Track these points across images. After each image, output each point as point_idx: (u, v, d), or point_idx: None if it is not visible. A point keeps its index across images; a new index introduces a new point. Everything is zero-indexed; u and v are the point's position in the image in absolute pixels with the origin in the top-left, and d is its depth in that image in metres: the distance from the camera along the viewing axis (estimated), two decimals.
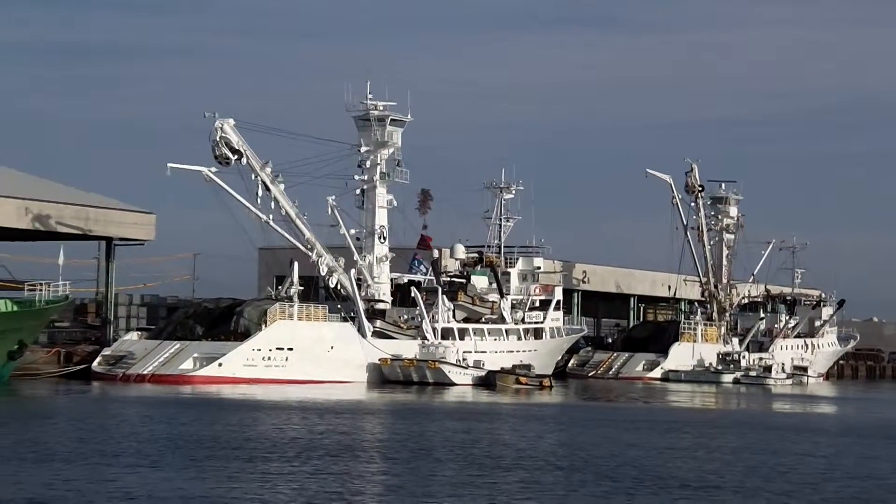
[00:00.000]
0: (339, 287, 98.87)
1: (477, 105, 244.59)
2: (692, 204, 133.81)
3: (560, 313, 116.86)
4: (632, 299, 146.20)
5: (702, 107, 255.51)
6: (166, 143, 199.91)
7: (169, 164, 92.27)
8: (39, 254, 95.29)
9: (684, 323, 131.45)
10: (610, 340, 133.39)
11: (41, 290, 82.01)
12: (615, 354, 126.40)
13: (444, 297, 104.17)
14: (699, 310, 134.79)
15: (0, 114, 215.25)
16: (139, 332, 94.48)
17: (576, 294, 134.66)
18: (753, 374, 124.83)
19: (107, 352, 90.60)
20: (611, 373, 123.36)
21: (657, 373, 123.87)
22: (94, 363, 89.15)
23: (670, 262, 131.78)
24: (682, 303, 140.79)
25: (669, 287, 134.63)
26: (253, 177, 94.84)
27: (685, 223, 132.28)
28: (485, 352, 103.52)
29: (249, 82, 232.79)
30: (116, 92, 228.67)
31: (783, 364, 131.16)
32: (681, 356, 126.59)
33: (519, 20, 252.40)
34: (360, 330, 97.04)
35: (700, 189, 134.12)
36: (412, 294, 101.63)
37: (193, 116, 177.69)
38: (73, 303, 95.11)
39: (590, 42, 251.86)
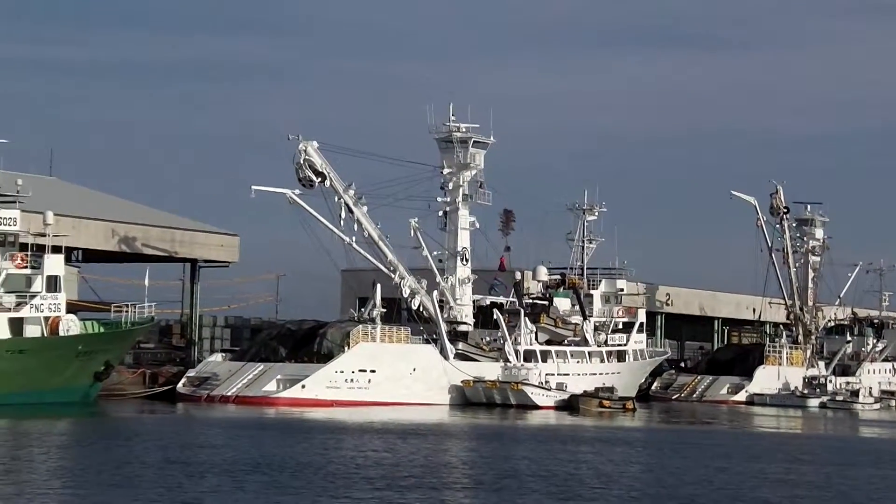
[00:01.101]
0: (421, 309, 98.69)
1: (560, 123, 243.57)
2: (777, 226, 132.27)
3: (643, 335, 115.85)
4: (716, 322, 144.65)
5: (787, 121, 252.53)
6: (250, 162, 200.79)
7: (253, 186, 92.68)
8: (125, 275, 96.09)
9: (769, 346, 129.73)
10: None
11: (127, 312, 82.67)
12: (699, 377, 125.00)
13: (527, 319, 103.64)
14: (784, 333, 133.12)
15: (85, 133, 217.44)
16: (223, 354, 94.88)
17: (659, 316, 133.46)
18: (840, 398, 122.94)
19: (191, 373, 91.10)
20: (695, 396, 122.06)
21: (742, 396, 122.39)
22: (179, 384, 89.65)
23: (755, 284, 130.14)
24: (767, 325, 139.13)
25: (754, 310, 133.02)
26: (336, 199, 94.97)
27: (770, 245, 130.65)
28: (567, 374, 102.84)
29: (333, 102, 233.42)
30: (202, 110, 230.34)
31: (870, 388, 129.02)
32: (766, 380, 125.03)
33: (600, 37, 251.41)
34: (443, 352, 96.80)
35: (785, 211, 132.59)
36: (494, 316, 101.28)
37: (277, 136, 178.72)
38: (159, 324, 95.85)
39: (673, 58, 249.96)
